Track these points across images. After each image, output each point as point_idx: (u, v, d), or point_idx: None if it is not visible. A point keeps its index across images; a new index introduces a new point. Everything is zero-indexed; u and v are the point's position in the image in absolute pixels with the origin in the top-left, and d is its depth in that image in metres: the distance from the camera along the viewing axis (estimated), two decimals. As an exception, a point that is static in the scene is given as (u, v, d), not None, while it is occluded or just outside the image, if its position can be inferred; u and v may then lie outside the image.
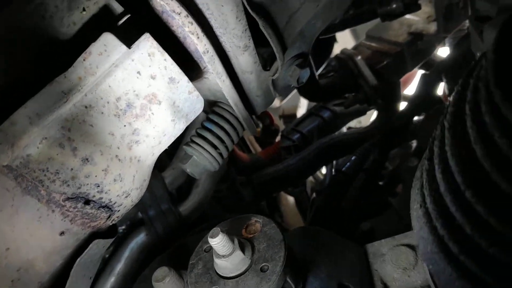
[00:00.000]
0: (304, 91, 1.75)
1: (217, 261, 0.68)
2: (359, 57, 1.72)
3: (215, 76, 0.78)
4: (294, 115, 2.34)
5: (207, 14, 0.71)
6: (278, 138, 2.04)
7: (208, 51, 0.72)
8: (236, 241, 0.68)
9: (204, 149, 0.89)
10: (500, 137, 0.34)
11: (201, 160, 0.91)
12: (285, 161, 1.62)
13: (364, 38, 1.84)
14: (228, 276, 0.69)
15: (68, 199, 0.65)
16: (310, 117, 1.86)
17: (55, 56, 0.65)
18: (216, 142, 0.90)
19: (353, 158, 1.55)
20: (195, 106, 0.77)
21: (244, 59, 0.80)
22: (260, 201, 1.60)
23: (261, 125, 2.09)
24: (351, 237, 0.96)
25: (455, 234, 0.40)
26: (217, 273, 0.70)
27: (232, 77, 0.83)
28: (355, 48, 1.87)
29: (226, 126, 0.91)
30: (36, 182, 0.61)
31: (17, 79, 0.64)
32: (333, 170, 1.73)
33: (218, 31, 0.74)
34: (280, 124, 2.34)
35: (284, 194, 2.10)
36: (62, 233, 0.68)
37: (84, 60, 0.61)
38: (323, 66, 1.91)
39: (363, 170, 1.46)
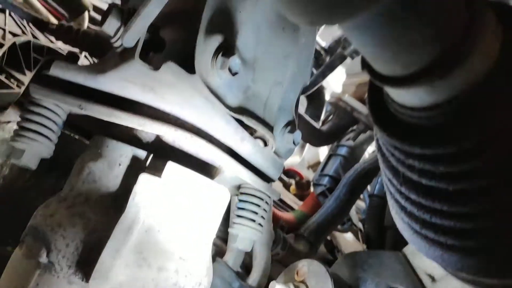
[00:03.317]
0: (313, 142, 1.95)
1: (283, 306, 0.85)
2: (347, 95, 1.92)
3: (229, 169, 0.99)
4: (319, 162, 2.52)
5: (205, 128, 0.93)
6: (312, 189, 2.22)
7: (216, 155, 0.94)
8: (291, 286, 0.85)
9: (244, 225, 1.09)
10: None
11: (246, 235, 1.10)
12: (324, 205, 1.78)
13: (345, 78, 2.05)
14: (297, 315, 0.85)
15: (158, 302, 0.84)
16: (331, 159, 2.03)
17: (111, 203, 0.88)
18: (251, 216, 1.10)
19: (379, 179, 1.70)
20: (224, 197, 0.97)
21: (245, 146, 1.01)
22: (316, 248, 1.74)
23: (293, 182, 2.27)
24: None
25: (413, 218, 0.57)
26: (288, 316, 0.87)
27: (242, 161, 1.04)
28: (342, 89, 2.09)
29: (254, 201, 1.11)
30: (132, 299, 0.82)
31: (92, 229, 0.86)
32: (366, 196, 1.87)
33: (218, 136, 0.95)
34: (311, 174, 2.51)
35: (340, 233, 2.23)
36: (163, 331, 0.87)
37: (133, 199, 0.83)
38: (323, 113, 2.12)
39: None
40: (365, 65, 0.45)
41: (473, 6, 0.37)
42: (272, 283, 0.83)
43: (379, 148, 0.58)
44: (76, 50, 1.39)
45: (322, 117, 2.14)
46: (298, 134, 1.13)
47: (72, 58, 1.04)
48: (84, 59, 1.55)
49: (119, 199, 0.85)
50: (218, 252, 1.43)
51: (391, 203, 0.62)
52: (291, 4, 0.32)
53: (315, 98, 2.11)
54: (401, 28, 0.36)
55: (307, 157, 2.57)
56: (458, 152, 0.44)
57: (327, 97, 2.19)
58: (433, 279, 0.95)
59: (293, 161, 2.19)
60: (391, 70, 0.41)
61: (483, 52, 0.38)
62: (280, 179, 2.32)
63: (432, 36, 0.36)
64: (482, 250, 0.50)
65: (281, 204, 2.12)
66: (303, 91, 1.54)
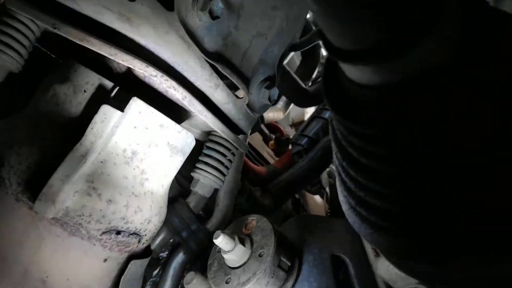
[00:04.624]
0: (297, 101, 1.92)
1: (225, 256, 0.86)
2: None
3: (198, 114, 0.97)
4: (303, 121, 2.51)
5: (179, 69, 0.91)
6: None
7: (186, 97, 0.92)
8: (236, 238, 0.86)
9: (207, 171, 1.09)
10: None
11: (207, 181, 1.10)
12: (297, 165, 1.78)
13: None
14: (236, 266, 0.87)
15: (103, 233, 0.85)
16: (314, 120, 2.01)
17: (71, 130, 0.87)
18: (215, 163, 1.10)
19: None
20: (186, 141, 0.97)
21: (218, 94, 0.99)
22: (280, 206, 1.76)
23: (273, 137, 2.27)
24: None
25: (350, 193, 0.57)
26: (229, 266, 0.88)
27: (214, 109, 1.02)
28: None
29: (221, 149, 1.10)
30: (77, 226, 0.82)
31: (48, 152, 0.85)
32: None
33: (191, 79, 0.93)
34: (293, 132, 2.51)
35: (309, 194, 2.26)
36: (105, 260, 0.89)
37: (92, 128, 0.82)
38: (315, 73, 2.08)
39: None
40: (321, 34, 0.43)
41: None
42: (217, 232, 0.84)
43: (330, 121, 0.57)
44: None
45: (314, 75, 2.11)
46: (274, 91, 1.11)
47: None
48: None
49: (78, 126, 0.84)
50: (182, 192, 1.44)
51: (336, 175, 0.62)
52: None
53: (309, 56, 2.06)
54: (351, 4, 0.34)
55: (292, 115, 2.56)
56: (393, 135, 0.43)
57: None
58: (377, 253, 0.96)
59: (277, 116, 2.17)
60: (341, 43, 0.39)
61: (436, 40, 0.36)
62: (261, 132, 2.31)
63: (381, 19, 0.34)
64: (402, 232, 0.51)
65: (257, 157, 2.12)
66: (297, 48, 1.49)
